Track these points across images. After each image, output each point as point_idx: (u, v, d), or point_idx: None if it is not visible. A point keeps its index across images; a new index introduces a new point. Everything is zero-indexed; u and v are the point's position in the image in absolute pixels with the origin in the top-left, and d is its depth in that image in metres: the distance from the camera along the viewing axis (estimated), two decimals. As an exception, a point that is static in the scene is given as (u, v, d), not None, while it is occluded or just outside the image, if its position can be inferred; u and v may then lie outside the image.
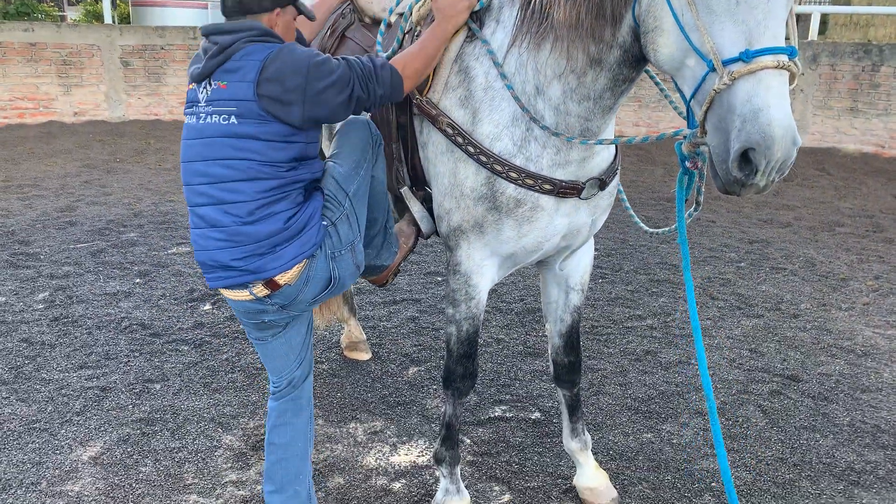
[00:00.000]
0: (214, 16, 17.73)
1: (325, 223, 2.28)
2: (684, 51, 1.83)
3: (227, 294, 2.31)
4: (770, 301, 5.13)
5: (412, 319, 4.66)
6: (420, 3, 2.50)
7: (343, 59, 2.21)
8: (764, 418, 3.59)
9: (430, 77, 2.43)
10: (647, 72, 2.28)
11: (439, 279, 5.36)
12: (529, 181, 2.31)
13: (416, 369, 4.02)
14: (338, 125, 2.55)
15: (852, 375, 4.06)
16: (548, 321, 2.90)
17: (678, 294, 5.21)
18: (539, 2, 2.17)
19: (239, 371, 3.94)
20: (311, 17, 2.36)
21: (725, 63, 1.72)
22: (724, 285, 5.41)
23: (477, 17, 2.41)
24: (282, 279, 2.21)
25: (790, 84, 1.73)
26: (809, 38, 10.56)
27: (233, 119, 2.12)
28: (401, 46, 2.53)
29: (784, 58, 1.70)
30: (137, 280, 5.21)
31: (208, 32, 2.19)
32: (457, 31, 2.40)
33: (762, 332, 4.61)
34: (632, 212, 2.77)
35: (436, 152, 2.48)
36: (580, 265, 2.78)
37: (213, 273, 2.25)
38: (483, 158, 2.32)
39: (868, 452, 3.32)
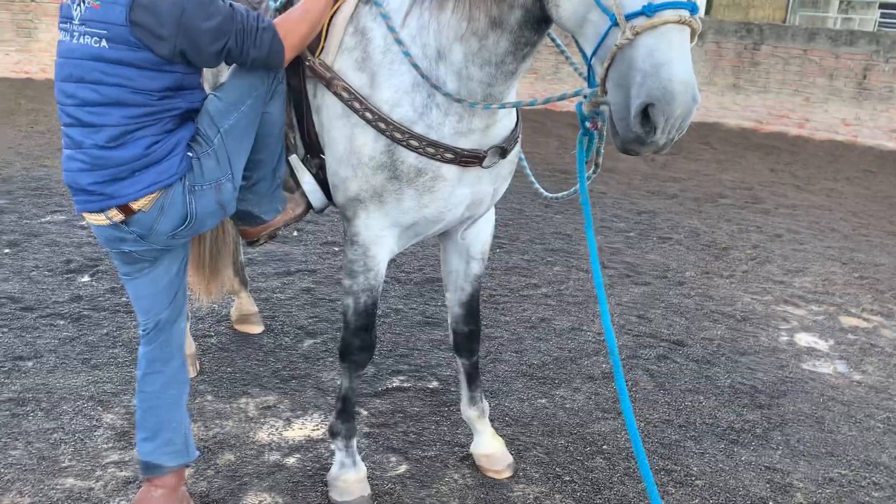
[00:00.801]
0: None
1: (190, 154, 2.20)
2: (587, 5, 1.80)
3: (88, 218, 2.25)
4: (657, 269, 5.32)
5: (307, 291, 4.54)
6: None
7: (231, 6, 2.09)
8: (651, 382, 3.72)
9: (323, 37, 2.31)
10: (549, 34, 2.25)
11: (336, 249, 5.25)
12: (431, 150, 2.25)
13: (311, 342, 3.92)
14: None
15: (732, 339, 4.27)
16: (448, 290, 2.87)
17: (571, 263, 5.32)
18: None
19: (121, 346, 3.72)
20: None
21: (628, 17, 1.69)
22: (614, 254, 5.57)
23: None
24: (135, 205, 2.15)
25: (691, 41, 1.72)
26: (696, 16, 10.94)
27: (103, 42, 2.04)
28: (287, 6, 2.41)
29: (686, 13, 1.69)
30: (6, 250, 4.83)
31: None
32: None
33: (650, 298, 4.78)
34: (532, 178, 2.76)
35: (330, 117, 2.36)
36: (481, 234, 2.76)
37: (77, 196, 2.21)
38: (382, 125, 2.24)
39: (746, 412, 3.50)
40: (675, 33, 1.68)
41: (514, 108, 2.42)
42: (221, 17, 2.05)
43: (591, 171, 2.26)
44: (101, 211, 2.18)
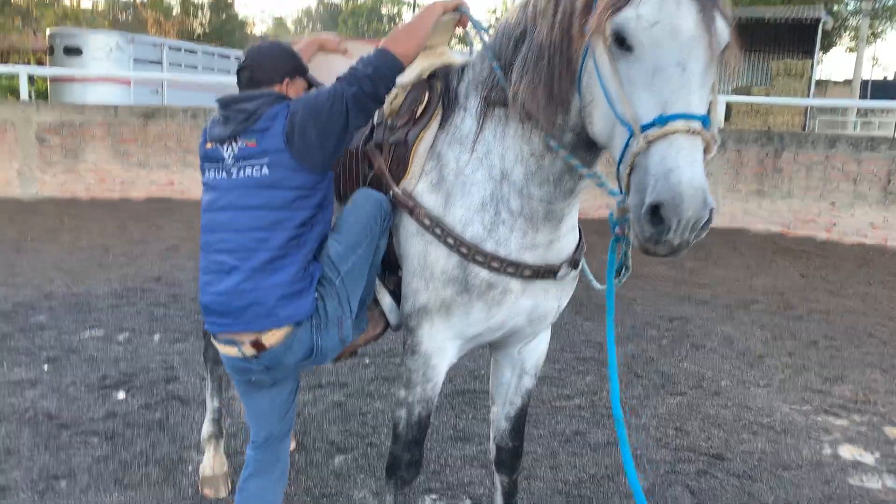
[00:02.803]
0: (136, 93, 17.60)
1: (315, 296, 2.36)
2: (612, 121, 1.93)
3: (219, 347, 2.40)
4: (692, 378, 5.23)
5: (338, 405, 4.53)
6: (393, 96, 2.56)
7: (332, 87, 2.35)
8: (692, 499, 3.60)
9: (409, 164, 2.49)
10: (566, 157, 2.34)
11: (367, 361, 5.27)
12: (511, 269, 2.36)
13: (342, 458, 3.88)
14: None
15: (774, 453, 4.15)
16: (495, 404, 2.87)
17: (604, 372, 5.25)
18: (496, 92, 2.31)
19: (154, 464, 3.71)
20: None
21: (643, 128, 1.81)
22: (648, 363, 5.50)
23: (448, 105, 2.50)
24: (268, 341, 2.29)
25: (708, 153, 1.81)
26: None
27: (265, 170, 2.28)
28: (372, 135, 2.64)
29: (696, 124, 1.78)
30: (45, 366, 4.92)
31: (228, 103, 2.36)
32: (431, 120, 2.50)
33: (686, 409, 4.68)
34: (587, 269, 2.81)
35: (406, 235, 2.51)
36: (537, 349, 2.81)
37: (212, 318, 2.37)
38: (464, 250, 2.36)
39: (793, 531, 3.36)
40: (685, 141, 1.77)
41: (578, 226, 2.56)
42: (333, 92, 2.30)
43: (622, 274, 2.29)
44: (234, 343, 2.33)
